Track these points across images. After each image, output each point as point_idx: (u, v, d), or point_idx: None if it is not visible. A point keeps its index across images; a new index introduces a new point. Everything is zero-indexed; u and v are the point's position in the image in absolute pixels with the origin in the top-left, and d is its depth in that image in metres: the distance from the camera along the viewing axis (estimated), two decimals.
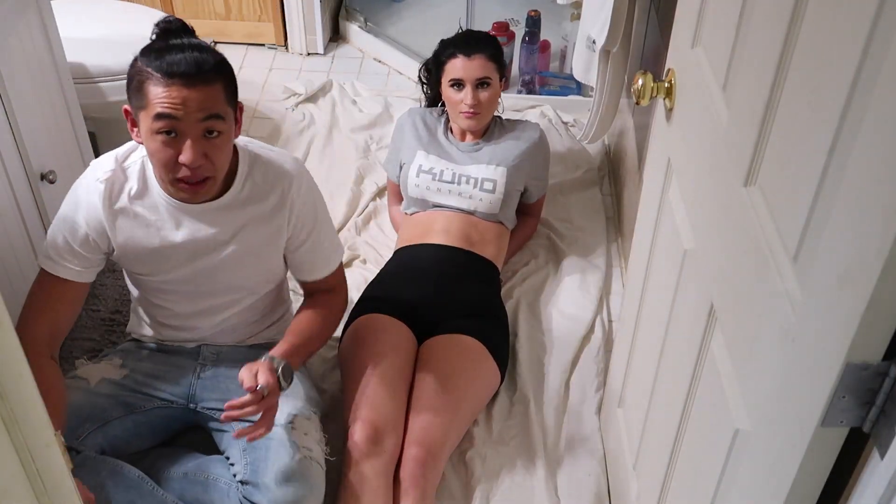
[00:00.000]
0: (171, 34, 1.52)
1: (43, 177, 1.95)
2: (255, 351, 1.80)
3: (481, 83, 2.22)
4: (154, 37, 1.53)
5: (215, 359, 1.78)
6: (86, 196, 1.60)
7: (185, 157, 1.46)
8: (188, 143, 1.46)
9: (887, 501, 0.73)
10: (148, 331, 1.81)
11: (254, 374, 1.55)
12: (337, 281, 1.81)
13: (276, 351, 1.63)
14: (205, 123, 1.46)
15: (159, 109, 1.43)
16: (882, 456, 0.74)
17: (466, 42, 2.24)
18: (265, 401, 1.53)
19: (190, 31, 1.56)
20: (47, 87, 2.03)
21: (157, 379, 1.75)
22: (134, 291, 1.78)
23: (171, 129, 1.45)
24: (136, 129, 1.52)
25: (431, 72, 2.34)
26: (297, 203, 1.66)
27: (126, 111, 1.52)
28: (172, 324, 1.77)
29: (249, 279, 1.72)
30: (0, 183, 1.80)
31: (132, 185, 1.60)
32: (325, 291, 1.79)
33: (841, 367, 0.76)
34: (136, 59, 1.48)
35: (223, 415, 1.52)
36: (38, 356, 1.57)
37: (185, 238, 1.61)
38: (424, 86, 2.42)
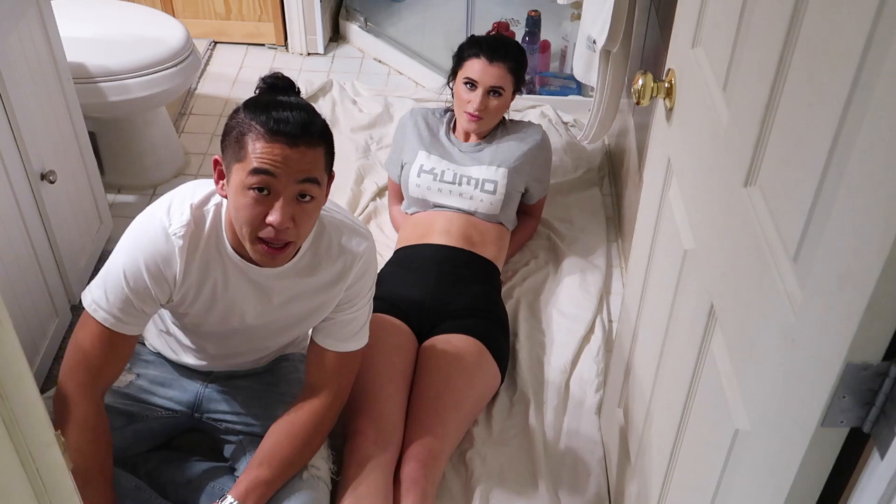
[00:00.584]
0: (278, 91, 1.46)
1: (43, 177, 1.95)
2: (268, 364, 1.79)
3: (493, 91, 2.22)
4: (258, 91, 1.48)
5: (227, 376, 1.77)
6: (153, 251, 1.47)
7: (273, 218, 1.38)
8: (280, 203, 1.38)
9: (887, 502, 0.73)
10: (163, 347, 1.76)
11: None
12: (336, 374, 1.65)
13: (235, 491, 1.52)
14: (300, 186, 1.39)
15: (257, 164, 1.36)
16: (882, 456, 0.74)
17: (494, 46, 2.23)
18: None
19: (297, 90, 1.49)
20: (47, 87, 2.03)
21: (163, 386, 1.73)
22: (165, 323, 1.71)
23: (265, 186, 1.37)
24: (222, 182, 1.45)
25: (454, 61, 2.32)
26: (355, 277, 1.58)
27: (216, 161, 1.46)
28: (192, 354, 1.73)
29: (285, 340, 1.70)
30: (0, 183, 1.80)
31: (206, 237, 1.50)
32: (317, 387, 1.64)
33: (841, 367, 0.76)
34: (238, 110, 1.42)
35: None
36: (95, 417, 1.52)
37: (236, 300, 1.55)
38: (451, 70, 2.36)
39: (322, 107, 3.07)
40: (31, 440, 0.80)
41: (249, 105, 1.42)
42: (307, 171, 1.39)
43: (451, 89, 2.32)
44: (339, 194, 2.64)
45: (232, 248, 1.50)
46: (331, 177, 1.49)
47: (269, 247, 1.42)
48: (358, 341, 1.66)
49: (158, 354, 1.78)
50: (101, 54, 2.42)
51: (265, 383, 1.75)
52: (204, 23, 3.38)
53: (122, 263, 1.48)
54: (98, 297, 1.50)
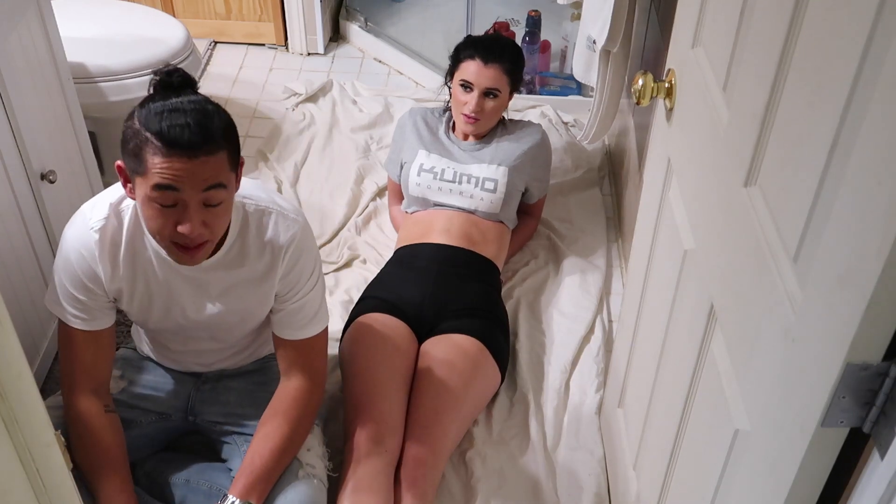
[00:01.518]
0: (172, 90, 1.37)
1: (43, 177, 1.95)
2: (256, 364, 1.79)
3: (490, 92, 2.22)
4: (151, 89, 1.38)
5: (217, 376, 1.76)
6: (78, 245, 1.49)
7: (184, 229, 1.36)
8: (188, 212, 1.35)
9: (887, 502, 0.73)
10: (147, 351, 1.78)
11: None
12: (308, 357, 1.64)
13: (235, 489, 1.53)
14: (206, 194, 1.35)
15: (158, 180, 1.32)
16: (882, 456, 0.74)
17: (489, 47, 2.22)
18: None
19: (194, 86, 1.40)
20: (47, 87, 2.03)
21: (156, 391, 1.73)
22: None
23: (170, 202, 1.35)
24: (129, 186, 1.41)
25: (450, 62, 2.32)
26: (289, 262, 1.55)
27: (119, 168, 1.40)
28: (170, 357, 1.75)
29: (236, 332, 1.67)
30: (0, 183, 1.80)
31: (126, 232, 1.50)
32: (292, 375, 1.64)
33: (841, 367, 0.76)
34: (132, 115, 1.35)
35: None
36: (98, 417, 1.56)
37: (172, 294, 1.55)
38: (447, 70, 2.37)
39: (322, 107, 3.07)
40: (31, 440, 0.81)
41: (143, 112, 1.34)
42: (210, 179, 1.34)
43: (450, 89, 2.32)
44: (339, 194, 2.64)
45: (157, 243, 1.48)
46: (240, 164, 1.44)
47: (185, 248, 1.41)
48: (316, 325, 1.63)
49: (149, 359, 1.78)
50: (101, 54, 2.42)
51: (256, 383, 1.75)
52: (204, 23, 3.38)
53: (58, 266, 1.53)
54: (57, 299, 1.54)
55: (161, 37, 2.51)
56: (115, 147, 2.60)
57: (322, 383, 1.68)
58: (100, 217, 1.48)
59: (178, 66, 2.45)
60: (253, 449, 1.57)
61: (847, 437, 0.82)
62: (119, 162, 1.40)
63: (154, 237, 1.43)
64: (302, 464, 1.61)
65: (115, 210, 1.50)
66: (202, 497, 1.65)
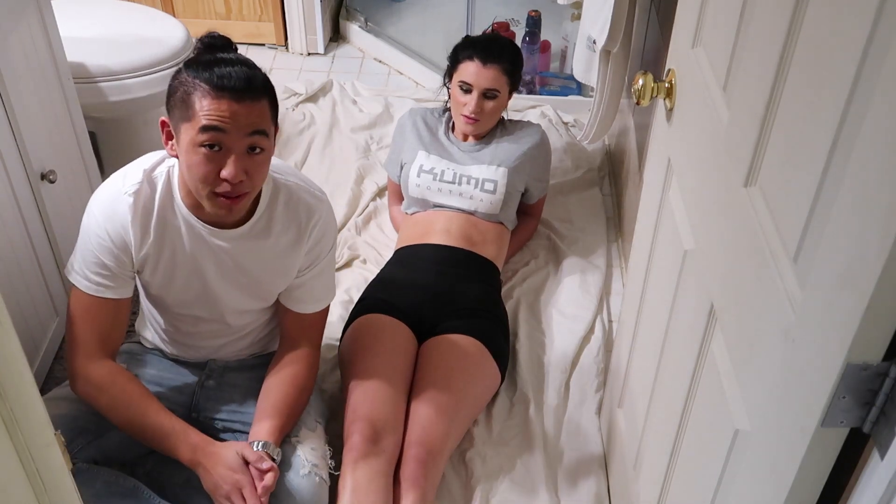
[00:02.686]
0: (217, 49, 1.48)
1: (43, 176, 1.95)
2: (260, 360, 1.80)
3: (488, 93, 2.22)
4: (196, 51, 1.49)
5: (221, 371, 1.77)
6: (110, 210, 1.52)
7: (227, 172, 1.41)
8: (232, 158, 1.41)
9: (887, 502, 0.73)
10: (154, 338, 1.79)
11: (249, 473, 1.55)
12: (315, 329, 1.74)
13: (264, 434, 1.58)
14: (250, 139, 1.42)
15: (206, 122, 1.39)
16: (882, 456, 0.74)
17: (487, 48, 2.21)
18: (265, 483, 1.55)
19: (234, 47, 1.51)
20: (47, 86, 2.03)
21: (160, 386, 1.73)
22: (145, 303, 1.75)
23: (215, 143, 1.40)
24: (171, 142, 1.48)
25: (448, 63, 2.32)
26: (314, 239, 1.63)
27: (163, 123, 1.48)
28: (179, 341, 1.75)
29: (258, 304, 1.70)
30: (0, 183, 1.80)
31: (159, 199, 1.54)
32: (300, 343, 1.70)
33: (841, 367, 0.76)
34: (179, 71, 1.44)
35: None
36: (123, 372, 1.60)
37: (197, 265, 1.58)
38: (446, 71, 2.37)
39: (322, 106, 3.07)
40: (31, 440, 0.81)
41: (191, 64, 1.43)
42: (255, 124, 1.42)
43: (448, 90, 2.32)
44: (339, 194, 2.64)
45: (188, 209, 1.54)
46: (276, 129, 1.52)
47: (226, 198, 1.46)
48: (330, 295, 1.74)
49: (154, 352, 1.78)
50: (101, 54, 2.42)
51: (260, 380, 1.75)
52: (204, 23, 3.38)
53: (87, 230, 1.55)
54: (78, 268, 1.56)
55: (161, 37, 2.51)
56: (115, 147, 2.61)
57: (318, 347, 1.78)
58: (134, 182, 1.52)
59: (178, 65, 2.47)
60: (269, 406, 1.63)
61: (847, 437, 0.82)
62: (163, 118, 1.47)
63: (196, 188, 1.46)
64: (305, 462, 1.61)
65: (149, 176, 1.54)
66: (202, 497, 1.64)
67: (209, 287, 1.61)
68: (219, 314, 1.67)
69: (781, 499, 0.89)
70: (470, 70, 2.20)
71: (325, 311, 1.75)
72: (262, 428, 1.59)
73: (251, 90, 1.41)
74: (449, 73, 2.30)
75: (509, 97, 2.29)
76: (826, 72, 0.82)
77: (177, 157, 1.48)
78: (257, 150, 1.44)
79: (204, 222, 1.55)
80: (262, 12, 3.35)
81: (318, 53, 3.42)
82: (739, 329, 1.04)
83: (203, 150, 1.41)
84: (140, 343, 1.82)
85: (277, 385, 1.66)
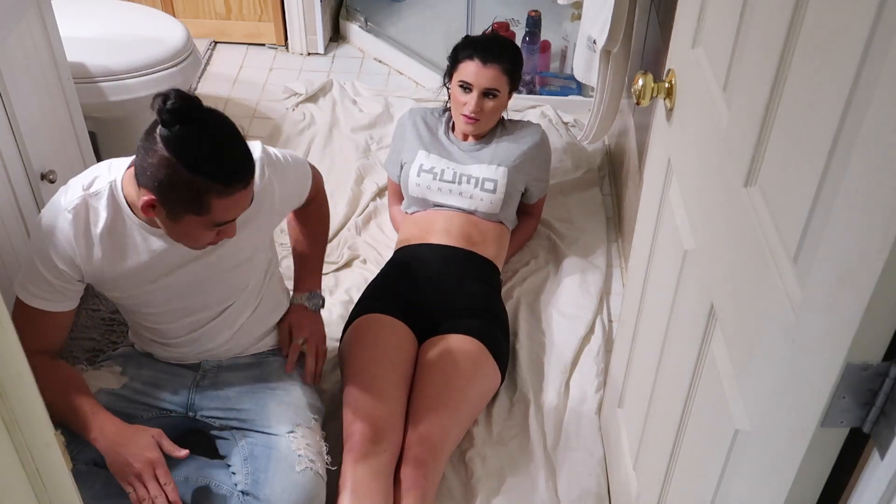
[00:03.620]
0: (184, 114, 1.37)
1: (43, 177, 1.95)
2: (256, 358, 1.80)
3: (489, 92, 2.22)
4: (167, 118, 1.37)
5: (216, 371, 1.77)
6: (53, 227, 1.54)
7: (228, 238, 1.52)
8: (231, 227, 1.50)
9: (887, 502, 0.73)
10: (146, 347, 1.79)
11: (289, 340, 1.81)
12: (316, 196, 1.87)
13: (302, 287, 1.87)
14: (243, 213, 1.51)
15: (221, 219, 1.45)
16: (882, 456, 0.74)
17: (488, 47, 2.21)
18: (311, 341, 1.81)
19: (198, 104, 1.40)
20: (47, 86, 2.03)
21: (157, 388, 1.74)
22: (129, 318, 1.77)
23: (217, 229, 1.49)
24: (152, 210, 1.45)
25: (448, 62, 2.32)
26: (268, 187, 1.63)
27: (150, 202, 1.43)
28: (171, 344, 1.75)
29: (239, 279, 1.69)
30: (0, 183, 1.80)
31: (101, 212, 1.54)
32: (310, 207, 1.88)
33: (841, 367, 0.76)
34: (172, 162, 1.36)
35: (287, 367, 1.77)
36: (45, 362, 1.60)
37: (161, 252, 1.57)
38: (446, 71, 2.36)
39: (322, 106, 3.07)
40: (31, 440, 0.81)
41: (189, 163, 1.37)
42: (248, 204, 1.50)
43: (448, 90, 2.32)
44: (339, 194, 2.64)
45: (141, 221, 1.55)
46: None
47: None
48: (305, 184, 1.81)
49: (148, 355, 1.79)
50: (101, 54, 2.42)
51: (255, 378, 1.77)
52: (204, 23, 3.38)
53: (33, 247, 1.58)
54: (25, 284, 1.58)
55: (161, 37, 2.51)
56: (115, 147, 2.61)
57: (323, 193, 1.93)
58: (73, 198, 1.54)
59: (178, 65, 2.47)
60: (298, 255, 1.91)
61: (847, 437, 0.82)
62: (147, 198, 1.42)
63: (189, 245, 1.53)
64: (300, 458, 1.62)
65: (87, 193, 1.54)
66: (201, 493, 1.65)
67: (182, 278, 1.62)
68: (205, 302, 1.68)
69: (781, 499, 0.89)
70: (470, 69, 2.20)
71: (313, 179, 1.83)
72: (306, 285, 1.87)
73: (251, 172, 1.45)
74: (449, 73, 2.29)
75: (509, 97, 2.28)
76: (826, 72, 0.82)
77: (153, 217, 1.47)
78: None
79: (150, 226, 1.55)
80: (262, 12, 3.35)
81: (318, 53, 3.42)
82: (739, 329, 1.04)
83: (206, 232, 1.48)
84: (133, 346, 1.82)
85: (308, 246, 1.92)
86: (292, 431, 1.66)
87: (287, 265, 2.13)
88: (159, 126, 1.38)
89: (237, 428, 1.71)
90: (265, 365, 1.79)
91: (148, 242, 1.56)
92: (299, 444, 1.64)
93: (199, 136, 1.38)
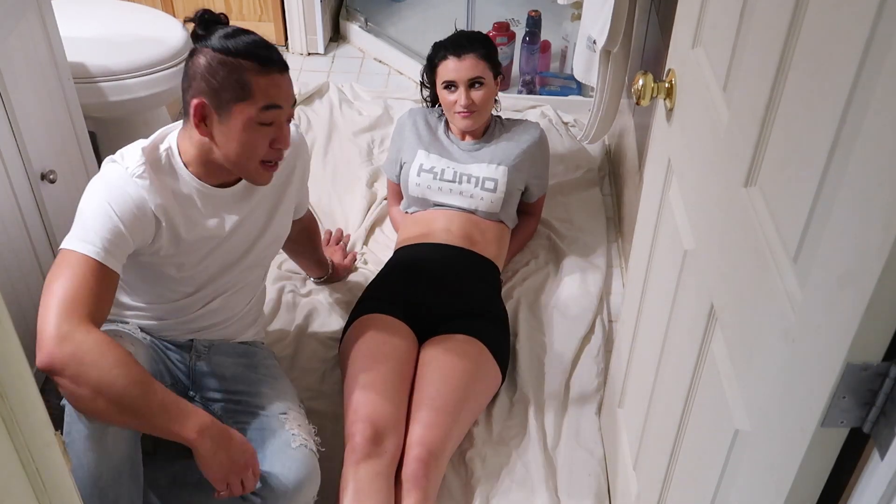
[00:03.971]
0: (217, 24, 1.54)
1: (43, 176, 1.95)
2: (243, 347, 1.81)
3: (474, 83, 2.22)
4: (201, 31, 1.52)
5: (207, 351, 1.77)
6: (122, 191, 1.50)
7: (283, 143, 1.55)
8: (285, 128, 1.55)
9: (887, 502, 0.73)
10: (139, 316, 1.72)
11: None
12: (308, 214, 2.04)
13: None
14: (292, 110, 1.57)
15: (268, 102, 1.49)
16: (882, 457, 0.74)
17: (457, 43, 2.23)
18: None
19: (227, 20, 1.59)
20: (47, 86, 2.03)
21: (155, 363, 1.68)
22: (135, 281, 1.69)
23: (272, 119, 1.52)
24: (204, 125, 1.51)
25: (427, 75, 2.34)
26: (301, 167, 1.81)
27: (200, 105, 1.49)
28: (173, 317, 1.73)
29: (271, 247, 1.80)
30: (0, 183, 1.80)
31: (166, 176, 1.58)
32: (303, 223, 2.03)
33: (841, 367, 0.76)
34: (200, 52, 1.49)
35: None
36: (113, 341, 1.42)
37: (220, 223, 1.64)
38: (426, 88, 2.40)
39: (318, 110, 3.06)
40: (31, 440, 0.81)
41: (220, 45, 1.49)
42: (293, 95, 1.57)
43: (436, 101, 2.33)
44: (347, 200, 2.64)
45: (197, 178, 1.60)
46: None
47: (270, 167, 1.58)
48: (307, 198, 1.99)
49: (138, 335, 1.70)
50: (101, 54, 2.42)
51: (245, 365, 1.78)
52: None
53: (94, 209, 1.49)
54: (82, 235, 1.48)
55: (161, 37, 2.51)
56: (115, 147, 2.60)
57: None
58: (139, 163, 1.54)
59: (178, 65, 2.48)
60: (315, 259, 2.23)
61: (847, 437, 0.82)
62: (197, 101, 1.50)
63: (245, 163, 1.55)
64: (294, 436, 1.63)
65: (151, 158, 1.57)
66: (190, 490, 1.65)
67: (231, 250, 1.67)
68: (235, 280, 1.74)
69: (781, 499, 0.89)
70: (448, 67, 2.21)
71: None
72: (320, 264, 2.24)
73: (284, 62, 1.54)
74: (431, 83, 2.30)
75: (497, 84, 2.28)
76: (826, 72, 0.82)
77: (207, 136, 1.52)
78: (290, 119, 1.58)
79: (212, 185, 1.61)
80: (262, 12, 3.35)
81: (318, 53, 3.42)
82: (739, 329, 1.04)
83: (262, 127, 1.51)
84: (125, 322, 1.73)
85: (312, 259, 2.24)
86: (284, 413, 1.68)
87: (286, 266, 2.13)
88: (197, 43, 1.52)
89: (233, 410, 1.71)
90: (252, 355, 1.82)
91: (203, 198, 1.61)
92: (292, 424, 1.66)
93: (233, 31, 1.52)
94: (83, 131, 2.23)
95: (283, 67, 1.53)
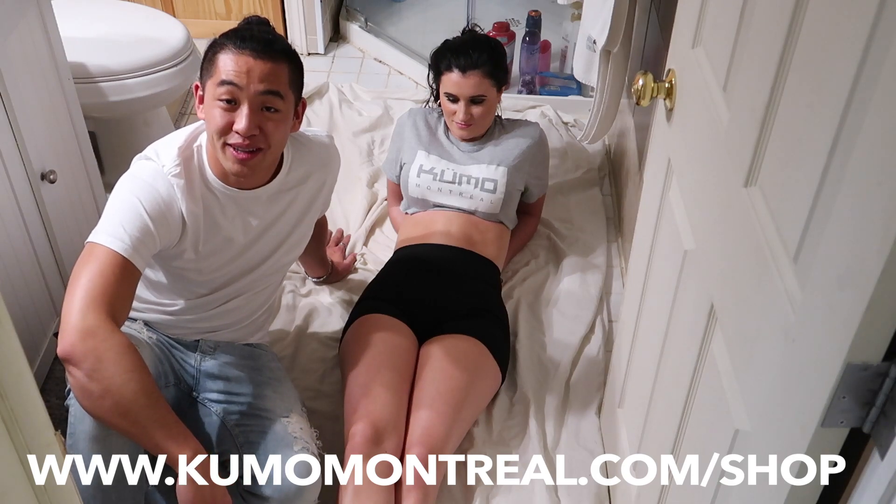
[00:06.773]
0: (254, 24, 1.59)
1: (43, 177, 1.95)
2: (248, 349, 1.81)
3: (475, 100, 2.21)
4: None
5: (213, 351, 1.77)
6: (154, 189, 1.51)
7: (239, 125, 1.50)
8: (245, 112, 1.49)
9: (887, 502, 0.73)
10: (149, 313, 1.73)
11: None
12: (322, 220, 2.06)
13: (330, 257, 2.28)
14: (264, 97, 1.51)
15: (224, 77, 1.49)
16: (882, 456, 0.74)
17: (465, 53, 2.18)
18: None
19: (271, 26, 1.62)
20: (47, 87, 2.03)
21: (160, 362, 1.67)
22: (148, 280, 1.68)
23: (231, 98, 1.50)
24: (202, 106, 1.57)
25: (432, 70, 2.32)
26: (331, 179, 1.83)
27: (196, 87, 1.58)
28: (183, 317, 1.72)
29: (292, 253, 1.81)
30: (0, 183, 1.80)
31: (195, 176, 1.59)
32: (317, 228, 2.01)
33: (841, 367, 0.76)
34: (215, 39, 1.55)
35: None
36: (134, 350, 1.41)
37: (243, 227, 1.65)
38: (430, 86, 2.38)
39: (318, 111, 3.06)
40: (31, 440, 0.80)
41: (226, 32, 1.55)
42: (270, 83, 1.51)
43: (438, 98, 2.32)
44: (347, 200, 2.64)
45: (218, 178, 1.60)
46: (302, 103, 1.63)
47: (238, 151, 1.52)
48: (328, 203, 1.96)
49: (144, 334, 1.70)
50: (101, 54, 2.42)
51: (250, 367, 1.78)
52: (204, 23, 3.38)
53: (126, 205, 1.49)
54: (111, 230, 1.47)
55: (161, 37, 2.51)
56: (115, 147, 2.61)
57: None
58: (173, 162, 1.56)
59: (178, 65, 2.48)
60: (318, 257, 2.22)
61: (847, 437, 0.82)
62: (196, 83, 1.58)
63: (214, 144, 1.54)
64: (297, 439, 1.64)
65: (185, 155, 1.58)
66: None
67: (254, 253, 1.68)
68: (255, 283, 1.74)
69: (781, 499, 0.89)
70: (452, 81, 2.19)
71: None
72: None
73: (270, 51, 1.50)
74: (435, 80, 2.29)
75: (499, 95, 2.27)
76: (826, 72, 0.82)
77: (204, 118, 1.55)
78: (272, 110, 1.52)
79: (233, 188, 1.61)
80: (262, 12, 3.35)
81: (318, 53, 3.42)
82: (739, 329, 1.04)
83: (221, 103, 1.50)
84: (133, 319, 1.73)
85: (316, 256, 2.23)
86: (287, 416, 1.68)
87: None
88: None
89: (235, 412, 1.70)
90: (256, 357, 1.82)
91: (225, 199, 1.61)
92: (294, 427, 1.66)
93: (245, 21, 1.58)
94: (83, 131, 2.23)
95: (262, 53, 1.49)
